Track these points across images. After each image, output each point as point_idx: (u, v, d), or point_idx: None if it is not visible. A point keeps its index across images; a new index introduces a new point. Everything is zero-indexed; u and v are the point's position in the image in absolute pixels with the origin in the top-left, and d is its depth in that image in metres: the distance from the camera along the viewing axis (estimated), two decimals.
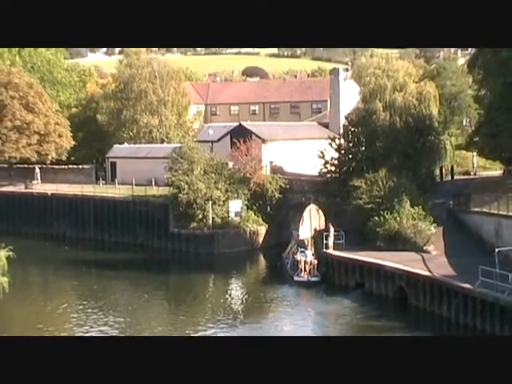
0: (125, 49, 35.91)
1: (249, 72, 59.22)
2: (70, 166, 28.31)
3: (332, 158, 20.43)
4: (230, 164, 22.55)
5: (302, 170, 22.47)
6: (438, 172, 23.04)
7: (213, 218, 21.27)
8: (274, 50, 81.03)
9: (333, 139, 20.66)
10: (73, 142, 27.86)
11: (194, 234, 21.47)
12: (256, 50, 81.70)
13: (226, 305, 16.12)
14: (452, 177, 24.33)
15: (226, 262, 20.53)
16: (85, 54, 73.55)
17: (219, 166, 22.22)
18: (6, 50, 30.92)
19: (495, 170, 24.69)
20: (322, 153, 20.33)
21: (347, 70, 31.65)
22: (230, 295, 17.42)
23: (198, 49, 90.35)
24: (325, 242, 17.43)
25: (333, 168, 20.32)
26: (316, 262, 17.39)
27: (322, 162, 20.37)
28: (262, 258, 21.71)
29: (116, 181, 26.13)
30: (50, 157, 27.12)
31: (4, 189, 27.35)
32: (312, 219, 23.03)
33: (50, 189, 26.08)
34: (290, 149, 23.90)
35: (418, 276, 14.55)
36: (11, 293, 12.73)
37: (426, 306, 14.27)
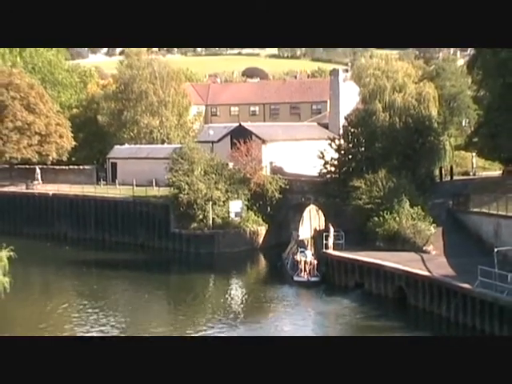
0: (125, 50, 36.07)
1: (249, 73, 59.33)
2: (71, 167, 28.41)
3: (332, 159, 20.49)
4: (231, 164, 22.63)
5: (301, 171, 22.54)
6: (437, 172, 23.05)
7: (213, 218, 21.36)
8: (274, 51, 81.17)
9: (332, 140, 20.73)
10: (74, 143, 27.97)
11: (194, 234, 21.56)
12: (256, 50, 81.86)
13: (226, 305, 16.18)
14: (451, 177, 24.33)
15: (227, 262, 20.59)
16: (85, 55, 73.71)
17: (219, 166, 22.30)
18: (7, 51, 31.05)
19: (494, 171, 24.72)
20: (321, 153, 20.40)
21: (347, 70, 31.63)
22: (230, 295, 17.48)
23: (199, 50, 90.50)
24: (324, 242, 17.49)
25: (332, 168, 20.39)
26: (316, 262, 17.45)
27: (322, 162, 20.43)
28: (262, 258, 21.78)
29: (117, 181, 26.23)
30: (50, 157, 27.24)
31: (5, 189, 27.41)
32: (312, 219, 23.11)
33: (51, 189, 26.19)
34: (290, 149, 23.98)
35: (417, 276, 14.60)
36: (12, 293, 12.79)
37: (425, 306, 14.32)
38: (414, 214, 17.11)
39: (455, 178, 24.36)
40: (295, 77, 46.41)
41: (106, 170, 27.86)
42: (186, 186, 21.38)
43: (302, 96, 33.94)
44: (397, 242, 16.73)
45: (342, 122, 22.18)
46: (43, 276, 20.62)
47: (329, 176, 20.46)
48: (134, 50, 31.53)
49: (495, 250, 13.59)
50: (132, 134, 29.04)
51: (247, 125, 25.65)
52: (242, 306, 16.18)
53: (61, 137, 27.51)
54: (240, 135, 23.88)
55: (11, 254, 12.95)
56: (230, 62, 70.53)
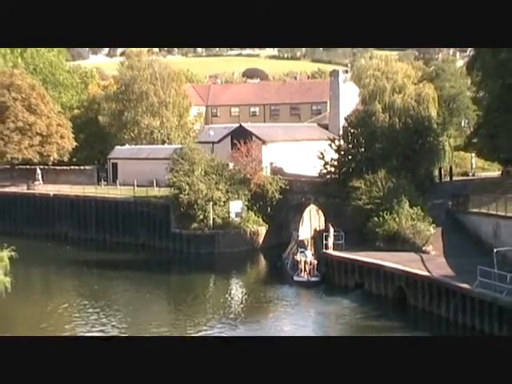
0: (126, 51, 36.24)
1: (249, 74, 59.52)
2: (72, 167, 28.48)
3: (332, 159, 20.55)
4: (231, 165, 22.69)
5: (301, 171, 22.59)
6: (436, 173, 23.09)
7: (213, 218, 21.41)
8: (274, 52, 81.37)
9: (332, 140, 20.78)
10: (75, 143, 28.07)
11: (194, 234, 21.60)
12: (256, 51, 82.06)
13: (226, 305, 16.21)
14: (451, 178, 24.38)
15: (227, 262, 20.63)
16: (86, 56, 73.88)
17: (220, 166, 22.36)
18: (8, 51, 31.17)
19: (493, 171, 24.78)
20: (321, 154, 20.45)
21: (347, 71, 31.72)
22: (230, 295, 17.53)
23: (199, 51, 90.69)
24: (324, 242, 17.53)
25: (332, 169, 20.44)
26: (316, 262, 17.48)
27: (322, 162, 20.49)
28: (262, 258, 21.81)
29: (117, 182, 26.27)
30: (52, 158, 27.33)
31: (6, 189, 27.48)
32: (312, 220, 23.16)
33: (51, 189, 26.25)
34: (290, 150, 24.03)
35: (417, 276, 14.63)
36: (13, 293, 12.81)
37: (424, 306, 14.36)
38: (413, 215, 17.15)
39: (454, 178, 24.42)
40: (295, 78, 46.50)
41: (107, 171, 27.94)
42: (187, 187, 21.43)
43: (302, 97, 33.99)
44: (396, 242, 16.76)
45: (342, 122, 22.23)
46: (44, 276, 20.69)
47: (329, 176, 20.52)
48: (135, 51, 31.70)
49: (494, 250, 13.64)
50: (133, 134, 29.13)
51: (247, 125, 25.68)
52: (242, 305, 16.22)
53: (62, 137, 27.61)
54: (240, 136, 23.92)
55: (12, 254, 12.99)
56: (231, 62, 70.76)
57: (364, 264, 16.21)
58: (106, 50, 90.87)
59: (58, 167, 28.18)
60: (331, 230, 17.63)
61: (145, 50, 33.01)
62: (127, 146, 28.32)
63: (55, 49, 32.93)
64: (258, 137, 24.00)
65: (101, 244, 23.87)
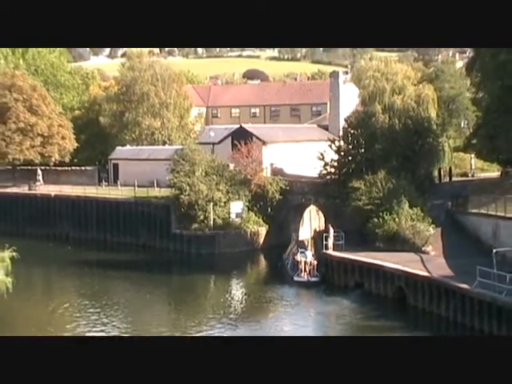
0: (127, 52, 36.37)
1: (249, 75, 59.69)
2: (73, 168, 28.56)
3: (332, 160, 20.62)
4: (231, 166, 22.74)
5: (302, 172, 22.65)
6: (436, 173, 23.14)
7: (214, 219, 21.46)
8: (275, 53, 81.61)
9: (332, 141, 20.86)
10: (76, 144, 28.13)
11: (195, 234, 21.66)
12: (257, 53, 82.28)
13: (226, 305, 16.26)
14: (450, 178, 24.43)
15: (227, 262, 20.67)
16: (88, 57, 74.18)
17: (220, 167, 22.42)
18: (9, 53, 31.30)
19: (493, 172, 24.77)
20: (321, 155, 20.52)
21: (347, 72, 31.89)
22: (230, 295, 17.58)
23: (200, 52, 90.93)
24: (324, 242, 17.58)
25: (332, 170, 20.51)
26: (316, 262, 17.53)
27: (322, 163, 20.56)
28: (262, 258, 21.86)
29: (118, 182, 26.33)
30: (53, 158, 27.39)
31: (8, 190, 27.55)
32: (312, 220, 23.21)
33: (53, 190, 26.32)
34: (291, 151, 24.10)
35: (416, 276, 14.69)
36: (15, 293, 12.89)
37: (424, 306, 14.40)
38: (413, 215, 17.21)
39: (454, 179, 24.46)
40: (295, 79, 46.65)
41: (108, 171, 28.02)
42: (187, 187, 21.50)
43: (302, 98, 34.07)
44: (396, 242, 16.82)
45: (342, 123, 22.28)
46: (45, 276, 20.75)
47: (329, 177, 20.59)
48: (136, 52, 31.86)
49: (494, 250, 13.71)
50: (134, 135, 29.18)
51: (248, 126, 25.73)
52: (242, 305, 16.26)
53: (63, 138, 27.67)
54: (241, 137, 23.98)
55: (14, 254, 13.07)
56: (231, 64, 71.00)
57: (364, 264, 16.27)
58: (107, 51, 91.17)
59: (60, 168, 28.25)
60: (331, 230, 17.70)
61: (146, 51, 33.15)
62: (128, 147, 28.40)
63: (56, 50, 33.08)
64: (258, 138, 24.07)
65: (102, 244, 23.93)
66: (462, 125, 24.33)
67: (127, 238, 23.55)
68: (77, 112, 32.03)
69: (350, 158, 20.25)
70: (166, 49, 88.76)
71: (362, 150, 20.06)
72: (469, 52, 28.74)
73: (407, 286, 15.00)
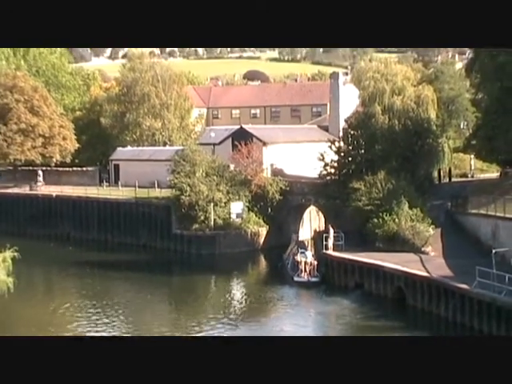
0: (128, 53, 36.46)
1: (250, 76, 59.90)
2: (74, 169, 28.66)
3: (332, 161, 20.66)
4: (232, 166, 22.79)
5: (302, 173, 22.71)
6: (435, 174, 23.15)
7: (214, 219, 21.52)
8: (275, 55, 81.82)
9: (332, 142, 20.92)
10: (77, 145, 28.22)
11: (195, 235, 21.71)
12: (257, 54, 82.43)
13: (227, 305, 16.32)
14: (450, 179, 24.43)
15: (228, 262, 20.72)
16: (89, 58, 74.41)
17: (221, 168, 22.48)
18: (11, 54, 31.39)
19: (492, 173, 24.76)
20: (321, 155, 20.58)
21: (347, 73, 32.01)
22: (231, 295, 17.64)
23: (200, 53, 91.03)
24: (325, 243, 17.63)
25: (332, 170, 20.56)
26: (316, 262, 17.58)
27: (322, 164, 20.60)
28: (262, 258, 21.91)
29: (119, 183, 26.45)
30: (54, 159, 27.48)
31: (9, 190, 27.65)
32: (312, 221, 23.25)
33: (54, 191, 26.41)
34: (291, 151, 24.15)
35: (416, 277, 14.73)
36: (16, 293, 12.96)
37: (424, 307, 14.45)
38: (412, 216, 17.25)
39: (453, 179, 24.45)
40: (296, 80, 46.74)
41: (109, 172, 28.12)
42: (188, 188, 21.56)
43: (303, 99, 34.16)
44: (396, 243, 16.86)
45: (342, 124, 22.36)
46: (46, 276, 20.81)
47: (329, 178, 20.64)
48: (137, 53, 31.97)
49: (493, 251, 13.76)
50: (134, 136, 29.28)
51: (248, 127, 25.79)
52: (242, 306, 16.30)
53: (64, 139, 27.76)
54: (241, 137, 24.04)
55: (15, 254, 13.14)
56: (232, 65, 71.24)
57: (364, 265, 16.32)
58: (108, 52, 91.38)
59: (61, 168, 28.34)
60: (331, 230, 17.75)
61: (146, 52, 33.28)
62: (129, 148, 28.49)
63: (58, 51, 33.17)
64: (258, 138, 24.15)
65: (103, 244, 24.00)
66: (462, 126, 24.43)
67: (128, 239, 23.62)
68: (78, 113, 32.15)
69: (349, 158, 20.31)
70: (167, 50, 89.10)
71: (362, 151, 20.12)
72: (468, 53, 28.77)
73: (407, 286, 15.04)
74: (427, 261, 15.66)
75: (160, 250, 22.67)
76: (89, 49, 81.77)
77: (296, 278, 17.35)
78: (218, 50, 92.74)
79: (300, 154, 23.75)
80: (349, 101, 25.22)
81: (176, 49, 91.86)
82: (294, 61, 78.59)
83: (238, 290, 18.51)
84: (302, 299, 16.69)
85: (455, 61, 34.36)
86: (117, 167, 27.89)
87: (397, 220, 17.05)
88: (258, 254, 21.92)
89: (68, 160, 28.00)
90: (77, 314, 15.61)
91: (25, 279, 16.75)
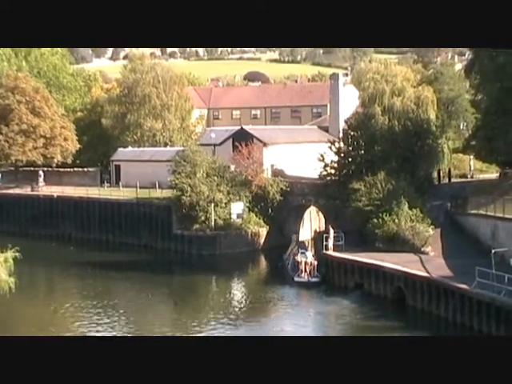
0: (129, 54, 36.57)
1: (250, 77, 60.06)
2: (76, 169, 28.73)
3: (332, 161, 20.74)
4: (232, 167, 22.87)
5: (302, 173, 22.78)
6: (435, 175, 23.22)
7: (215, 219, 21.58)
8: (275, 56, 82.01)
9: (333, 143, 20.99)
10: (78, 146, 28.29)
11: (196, 235, 21.77)
12: (257, 55, 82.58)
13: (227, 305, 16.39)
14: (449, 179, 24.46)
15: (228, 262, 20.80)
16: (90, 60, 74.63)
17: (221, 168, 22.56)
18: (13, 55, 31.52)
19: (491, 173, 24.78)
20: (322, 156, 20.65)
21: (347, 75, 32.11)
22: (231, 295, 17.72)
23: (201, 54, 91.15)
24: (325, 243, 17.70)
25: (332, 171, 20.63)
26: (316, 262, 17.63)
27: (322, 165, 20.68)
28: (263, 258, 21.99)
29: (120, 183, 26.52)
30: (55, 160, 27.54)
31: (11, 191, 27.74)
32: (312, 221, 23.32)
33: (55, 191, 26.47)
34: (291, 152, 24.22)
35: (415, 277, 14.79)
36: (17, 293, 13.01)
37: (423, 307, 14.50)
38: (412, 216, 17.31)
39: (453, 180, 24.46)
40: (296, 81, 47.04)
41: (110, 173, 28.18)
42: (189, 188, 21.63)
43: (303, 100, 34.23)
44: (396, 243, 16.92)
45: (342, 125, 22.40)
46: (48, 276, 20.89)
47: (329, 178, 20.71)
48: (138, 54, 32.07)
49: (492, 251, 13.82)
50: (135, 136, 29.36)
51: (249, 128, 25.87)
52: (243, 306, 16.36)
53: (65, 140, 27.85)
54: (242, 138, 24.12)
55: (16, 254, 13.21)
56: (232, 66, 71.44)
57: (364, 265, 16.37)
58: (109, 53, 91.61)
59: (62, 169, 28.41)
60: (331, 231, 17.81)
61: (147, 53, 33.35)
62: (130, 149, 28.56)
63: (59, 52, 33.32)
64: (259, 139, 24.22)
65: (104, 245, 24.09)
66: (461, 126, 24.51)
67: (129, 239, 23.69)
68: (79, 114, 32.21)
69: (349, 159, 20.40)
70: (168, 51, 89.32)
71: (362, 152, 20.19)
72: (468, 54, 28.91)
73: (406, 286, 15.10)
74: (427, 261, 15.71)
75: (161, 251, 22.73)
76: (90, 50, 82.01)
77: (296, 278, 17.42)
78: (219, 51, 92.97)
79: (300, 155, 23.81)
80: (349, 102, 25.29)
81: (177, 50, 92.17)
82: (294, 62, 78.83)
83: (238, 290, 18.58)
84: (302, 299, 16.75)
85: (455, 62, 34.52)
86: (118, 168, 27.98)
87: (397, 220, 17.12)
88: (258, 254, 21.99)
89: (69, 161, 28.08)
90: (78, 314, 15.69)
91: (26, 279, 16.85)
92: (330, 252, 17.63)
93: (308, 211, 23.24)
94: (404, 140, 20.07)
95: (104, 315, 15.31)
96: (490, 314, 12.56)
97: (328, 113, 29.29)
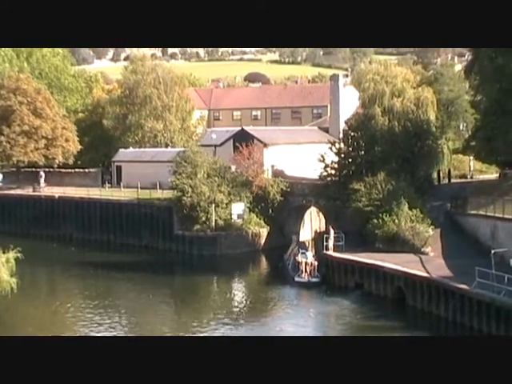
0: (130, 55, 36.63)
1: (251, 78, 60.24)
2: (77, 170, 28.81)
3: (332, 162, 20.81)
4: (233, 168, 22.94)
5: (302, 174, 22.86)
6: (435, 175, 23.26)
7: (216, 220, 21.64)
8: (276, 57, 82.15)
9: (333, 143, 21.07)
10: (79, 147, 28.37)
11: (197, 235, 21.83)
12: (258, 56, 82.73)
13: (228, 305, 16.45)
14: (449, 180, 24.49)
15: (229, 263, 20.85)
16: (91, 61, 74.83)
17: (222, 169, 22.63)
18: (14, 56, 31.62)
19: (491, 174, 24.82)
20: (322, 157, 20.73)
21: (347, 76, 32.21)
22: (232, 296, 17.77)
23: (202, 55, 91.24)
24: (325, 243, 17.77)
25: (333, 171, 20.71)
26: (316, 263, 17.70)
27: (323, 165, 20.77)
28: (263, 259, 22.03)
29: (121, 184, 26.58)
30: (57, 161, 27.61)
31: (12, 192, 27.82)
32: (312, 221, 23.37)
33: (57, 192, 26.55)
34: (291, 153, 24.29)
35: (415, 277, 14.84)
36: (19, 293, 13.15)
37: (423, 307, 14.54)
38: (412, 217, 17.36)
39: (453, 180, 24.50)
40: (296, 82, 47.11)
41: (111, 173, 28.25)
42: (190, 189, 21.70)
43: (303, 101, 34.30)
44: (396, 243, 16.98)
45: (342, 126, 22.50)
46: (49, 277, 20.94)
47: (329, 179, 20.78)
48: (139, 55, 32.25)
49: (492, 251, 13.86)
50: (136, 137, 29.43)
51: (249, 129, 25.93)
52: (243, 306, 16.43)
53: (67, 140, 27.91)
54: (242, 139, 24.18)
55: (18, 255, 13.30)
56: (233, 67, 71.63)
57: (364, 265, 16.42)
58: (110, 54, 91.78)
59: (63, 170, 28.48)
60: (331, 231, 17.89)
61: (148, 54, 33.44)
62: (131, 149, 28.64)
63: (60, 54, 33.37)
64: (259, 140, 24.27)
65: (105, 245, 24.13)
66: (461, 127, 24.54)
67: (130, 239, 23.74)
68: (80, 115, 32.29)
69: (350, 159, 20.46)
70: (169, 52, 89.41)
71: (362, 152, 20.26)
72: (467, 55, 28.95)
73: (406, 286, 15.13)
74: (427, 261, 15.76)
75: (162, 251, 22.78)
76: (91, 51, 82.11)
77: (297, 279, 17.46)
78: (220, 52, 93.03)
79: (301, 156, 23.88)
80: (349, 102, 25.40)
81: (177, 51, 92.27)
82: (294, 63, 78.95)
83: (239, 291, 18.65)
84: (303, 299, 16.79)
85: (454, 63, 34.59)
86: (119, 168, 28.07)
87: (397, 221, 17.17)
88: (259, 254, 22.02)
89: (70, 161, 28.14)
90: (79, 314, 15.71)
91: (28, 280, 16.87)
92: (331, 252, 17.69)
93: (308, 212, 23.30)
94: (404, 141, 20.12)
95: (105, 315, 15.35)
96: (489, 314, 12.61)
97: (328, 114, 29.34)
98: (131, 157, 27.97)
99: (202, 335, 13.47)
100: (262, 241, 22.23)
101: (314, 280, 17.30)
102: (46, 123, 27.51)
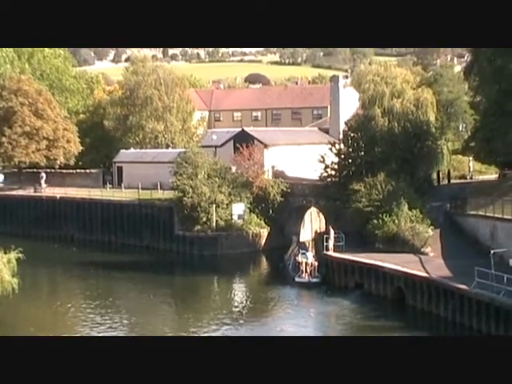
0: (131, 57, 36.79)
1: (251, 79, 60.37)
2: (78, 171, 28.94)
3: (332, 163, 20.90)
4: (233, 168, 23.03)
5: (303, 174, 22.94)
6: (435, 176, 23.31)
7: (216, 220, 21.71)
8: (276, 58, 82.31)
9: (333, 144, 21.16)
10: (80, 147, 28.50)
11: (198, 236, 21.91)
12: (258, 57, 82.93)
13: (228, 305, 16.50)
14: (449, 181, 24.54)
15: (230, 263, 20.92)
16: (92, 62, 75.02)
17: (223, 170, 22.72)
18: (16, 57, 31.77)
19: (490, 174, 24.86)
20: (322, 157, 20.82)
21: (347, 77, 32.17)
22: (232, 296, 17.84)
23: (202, 56, 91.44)
24: (325, 244, 17.84)
25: (333, 172, 20.79)
26: (316, 263, 17.77)
27: (323, 166, 20.85)
28: (264, 259, 22.08)
29: (122, 185, 26.69)
30: (58, 161, 27.75)
31: (14, 192, 27.93)
32: (313, 222, 23.42)
33: (58, 192, 26.65)
34: (292, 153, 24.37)
35: (415, 277, 14.89)
36: (20, 294, 13.22)
37: (423, 307, 14.59)
38: (412, 217, 17.42)
39: (452, 181, 24.55)
40: (296, 83, 47.06)
41: (112, 174, 28.37)
42: (190, 190, 21.79)
43: (303, 101, 34.43)
44: (396, 243, 17.04)
45: (342, 126, 22.56)
46: (50, 277, 21.01)
47: (329, 179, 20.86)
48: (140, 56, 32.39)
49: (491, 251, 13.90)
50: (137, 138, 29.52)
51: (250, 130, 26.02)
52: (244, 306, 16.47)
53: (68, 141, 28.03)
54: (242, 140, 24.28)
55: (19, 255, 13.37)
56: (233, 68, 71.81)
57: (364, 265, 16.48)
58: (111, 56, 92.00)
59: (65, 171, 28.60)
60: (332, 232, 17.95)
61: (149, 55, 33.59)
62: (132, 150, 28.75)
63: (61, 55, 33.49)
64: (259, 141, 24.35)
65: (106, 245, 24.22)
66: (460, 128, 24.60)
67: (131, 240, 23.83)
68: (81, 116, 32.41)
69: (350, 160, 20.54)
70: (169, 53, 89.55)
71: (362, 153, 20.34)
72: (467, 56, 29.02)
73: (406, 286, 15.19)
74: (427, 261, 15.81)
75: (163, 251, 22.86)
76: (92, 53, 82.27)
77: (297, 279, 17.53)
78: (220, 53, 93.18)
79: (301, 156, 23.95)
80: (349, 103, 25.42)
81: (178, 52, 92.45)
82: (294, 64, 79.14)
83: (239, 291, 18.69)
84: (303, 299, 16.85)
85: (454, 64, 34.66)
86: (120, 169, 28.17)
87: (396, 221, 17.24)
88: (259, 254, 22.07)
89: (72, 162, 28.25)
90: (80, 314, 15.78)
91: (29, 280, 16.93)
92: (331, 253, 17.75)
93: (308, 212, 23.36)
94: (404, 141, 20.19)
95: (106, 315, 15.41)
96: (489, 314, 12.65)
97: (328, 114, 29.42)
98: (132, 157, 28.08)
99: (202, 335, 13.53)
100: (263, 241, 22.30)
101: (315, 280, 17.35)
102: (48, 124, 27.62)
